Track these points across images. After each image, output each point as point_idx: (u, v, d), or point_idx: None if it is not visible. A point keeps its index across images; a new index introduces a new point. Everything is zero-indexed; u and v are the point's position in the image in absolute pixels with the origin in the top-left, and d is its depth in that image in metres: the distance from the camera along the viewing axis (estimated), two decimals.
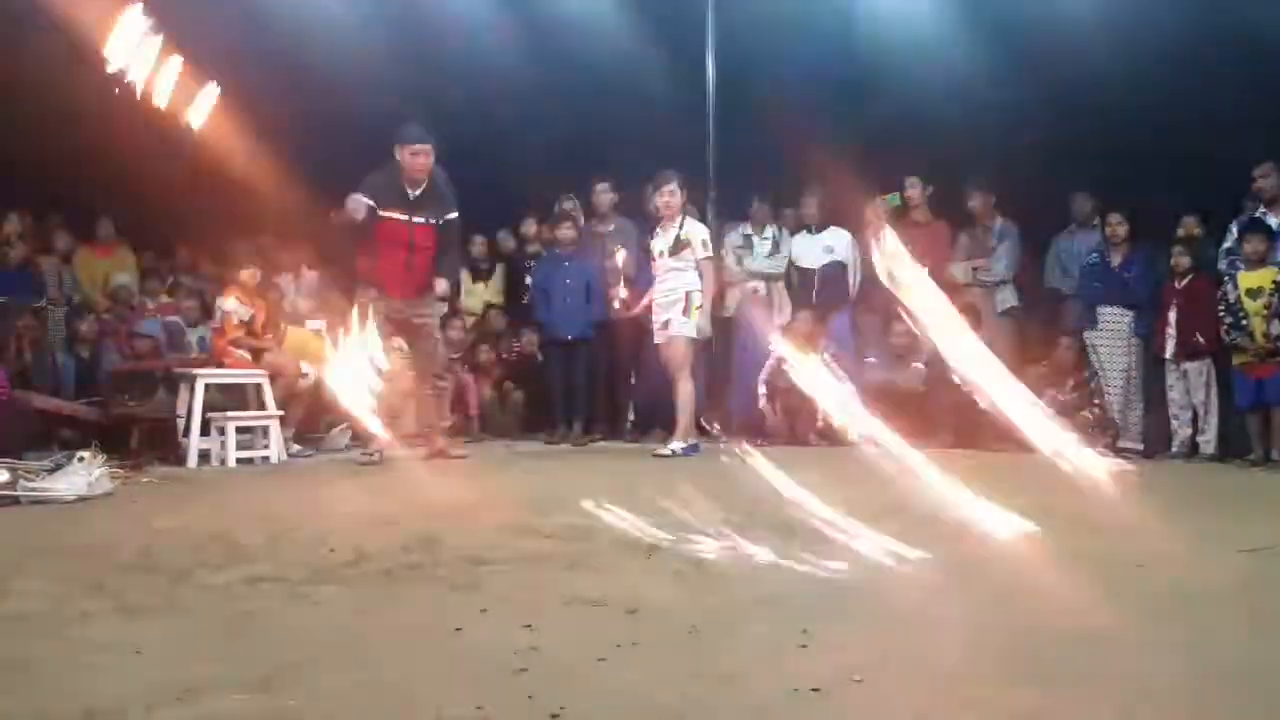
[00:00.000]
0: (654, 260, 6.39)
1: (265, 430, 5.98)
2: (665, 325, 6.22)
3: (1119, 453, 6.09)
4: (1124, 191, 6.45)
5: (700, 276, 6.21)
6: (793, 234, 7.32)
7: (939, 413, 6.50)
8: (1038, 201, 6.88)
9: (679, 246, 6.20)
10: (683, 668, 2.08)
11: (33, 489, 4.29)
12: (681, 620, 2.42)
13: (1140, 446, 6.31)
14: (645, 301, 6.42)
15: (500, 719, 1.77)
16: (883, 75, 6.69)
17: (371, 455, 5.67)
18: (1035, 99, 6.52)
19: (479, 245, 7.85)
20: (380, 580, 2.85)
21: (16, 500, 4.22)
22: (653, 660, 2.12)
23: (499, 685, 1.96)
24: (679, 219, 6.26)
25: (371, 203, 5.51)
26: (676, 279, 6.21)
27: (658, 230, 6.41)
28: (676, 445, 6.02)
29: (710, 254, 6.30)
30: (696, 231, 6.28)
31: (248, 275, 6.29)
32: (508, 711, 1.81)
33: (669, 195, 6.26)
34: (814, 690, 1.91)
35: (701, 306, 6.19)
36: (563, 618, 2.46)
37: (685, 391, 6.16)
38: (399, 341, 6.08)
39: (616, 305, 6.64)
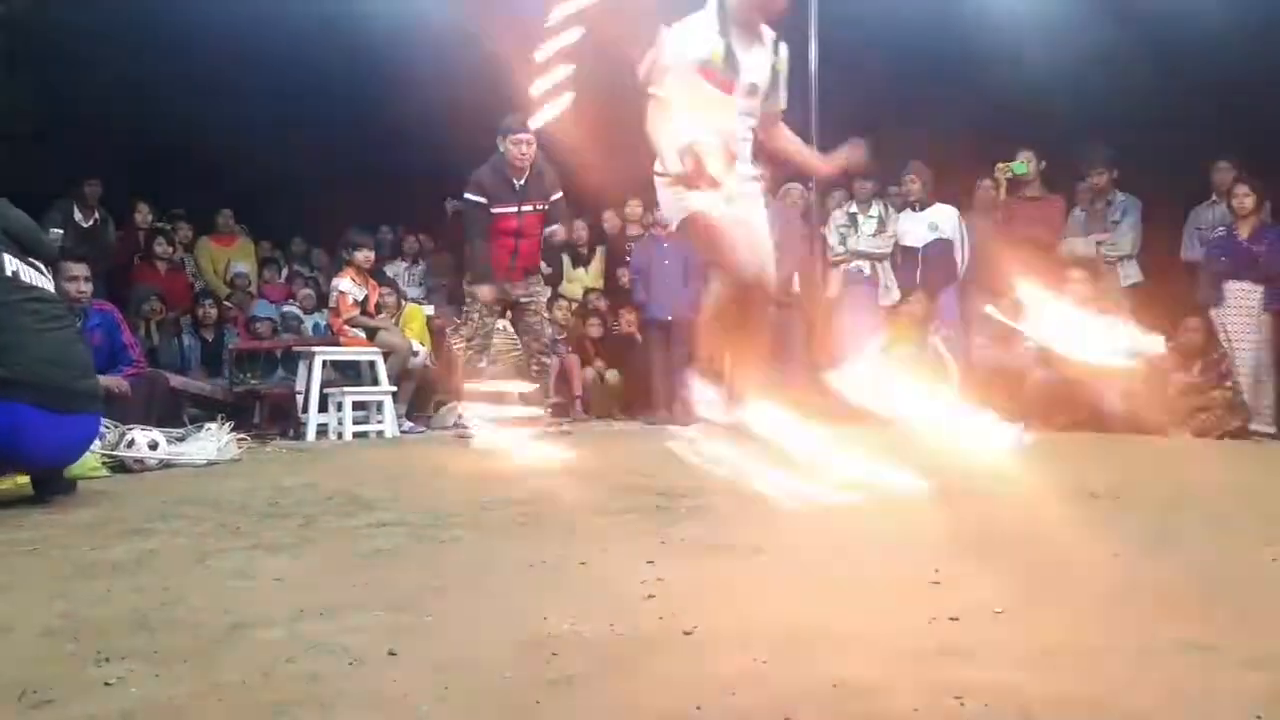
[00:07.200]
0: None
1: (379, 406, 6.16)
2: None
3: (1251, 435, 5.81)
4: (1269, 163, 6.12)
5: None
6: (898, 211, 7.18)
7: (1054, 394, 6.29)
8: (1175, 172, 6.57)
9: None
10: (815, 597, 2.05)
11: (165, 454, 4.50)
12: (808, 559, 2.40)
13: (1273, 429, 5.97)
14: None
15: (633, 636, 1.77)
16: (998, 45, 6.48)
17: (471, 429, 5.76)
18: (1159, 65, 6.22)
19: (580, 230, 7.90)
20: (502, 525, 2.90)
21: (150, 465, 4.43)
22: (781, 591, 2.10)
23: (629, 608, 1.96)
24: None
25: (484, 200, 5.66)
26: None
27: None
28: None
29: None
30: None
31: (363, 257, 6.48)
32: (640, 630, 1.81)
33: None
34: (952, 619, 1.86)
35: None
36: (685, 555, 2.46)
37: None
38: (503, 322, 6.20)
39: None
